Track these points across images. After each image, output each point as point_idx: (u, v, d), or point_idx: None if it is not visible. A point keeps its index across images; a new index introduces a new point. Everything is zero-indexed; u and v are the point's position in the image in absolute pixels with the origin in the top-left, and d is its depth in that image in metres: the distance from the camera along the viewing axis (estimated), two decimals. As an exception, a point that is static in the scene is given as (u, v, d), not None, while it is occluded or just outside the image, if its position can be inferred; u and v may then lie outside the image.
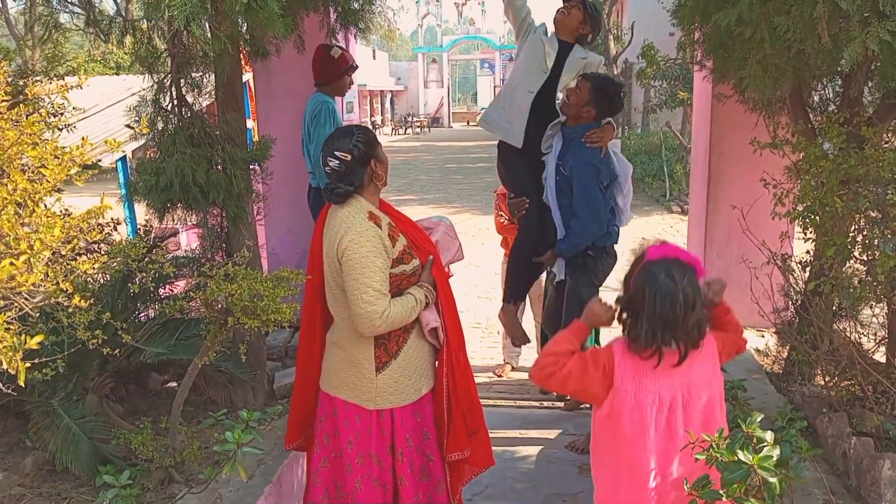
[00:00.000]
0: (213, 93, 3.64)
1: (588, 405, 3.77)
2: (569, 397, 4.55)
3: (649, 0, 14.24)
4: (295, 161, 4.52)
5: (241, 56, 3.79)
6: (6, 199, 1.86)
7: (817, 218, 3.20)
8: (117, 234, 4.07)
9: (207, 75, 3.62)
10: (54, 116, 3.35)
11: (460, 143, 29.52)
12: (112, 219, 3.98)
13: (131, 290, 3.32)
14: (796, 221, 3.33)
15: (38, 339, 1.66)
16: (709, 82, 4.44)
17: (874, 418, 3.03)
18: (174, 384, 4.04)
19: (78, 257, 2.04)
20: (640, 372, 2.13)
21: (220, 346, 2.93)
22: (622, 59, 18.24)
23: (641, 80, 14.09)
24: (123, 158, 7.22)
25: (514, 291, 4.09)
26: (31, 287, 1.77)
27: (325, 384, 2.73)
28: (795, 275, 3.67)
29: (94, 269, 1.98)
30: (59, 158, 2.16)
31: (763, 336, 4.69)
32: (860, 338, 3.42)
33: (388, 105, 39.45)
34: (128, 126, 3.51)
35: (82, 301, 1.91)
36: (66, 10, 4.21)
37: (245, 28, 3.45)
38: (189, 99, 3.58)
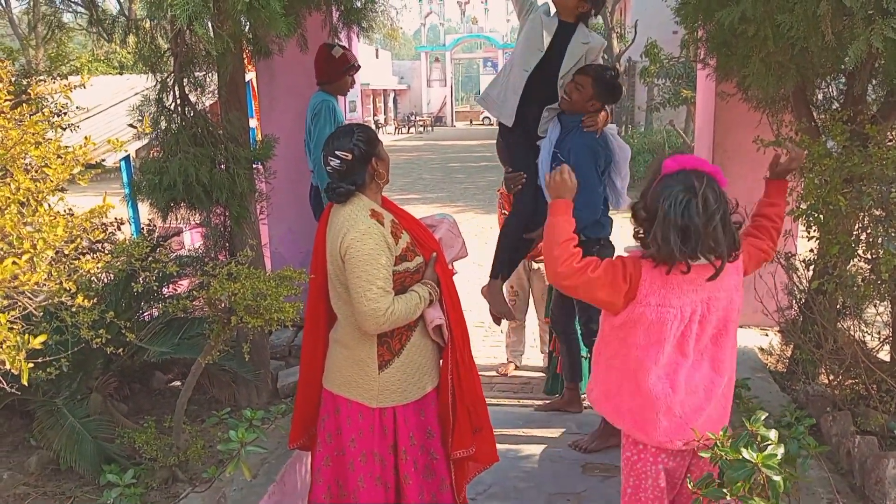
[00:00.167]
0: (216, 92, 3.65)
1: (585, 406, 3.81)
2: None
3: (652, -2, 14.21)
4: (298, 160, 4.52)
5: (244, 55, 3.80)
6: (9, 198, 1.86)
7: (821, 216, 3.19)
8: (121, 234, 4.08)
9: (210, 74, 3.63)
10: (57, 116, 3.35)
11: (463, 141, 29.52)
12: (116, 218, 3.99)
13: (135, 290, 3.33)
14: (800, 220, 3.33)
15: (42, 338, 1.66)
16: (712, 80, 4.43)
17: (878, 417, 3.02)
18: (178, 383, 4.04)
19: (81, 256, 2.04)
20: (668, 286, 2.06)
21: (223, 345, 2.93)
22: (625, 58, 18.20)
23: (645, 78, 14.07)
24: (127, 158, 7.23)
25: (502, 267, 4.05)
26: (35, 286, 1.77)
27: (327, 382, 2.73)
28: (799, 273, 3.66)
29: (97, 268, 1.98)
30: (62, 158, 2.16)
31: (767, 335, 4.68)
32: (864, 336, 3.42)
33: (391, 104, 39.49)
34: (130, 126, 3.51)
35: (86, 300, 1.91)
36: (70, 9, 4.22)
37: (248, 27, 3.45)
38: (192, 98, 3.58)
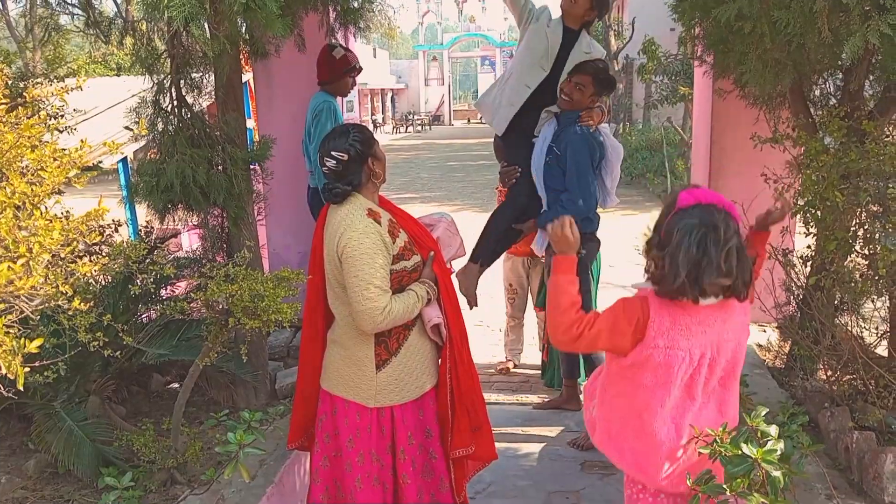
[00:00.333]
0: (213, 93, 3.64)
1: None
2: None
3: (650, -5, 14.22)
4: (296, 160, 4.52)
5: (241, 56, 3.79)
6: (5, 202, 1.86)
7: (818, 212, 3.20)
8: (119, 236, 4.07)
9: (207, 76, 3.62)
10: (54, 119, 3.35)
11: (461, 140, 29.51)
12: (113, 220, 3.98)
13: (132, 292, 3.32)
14: (797, 216, 3.33)
15: (38, 342, 1.66)
16: (709, 78, 4.43)
17: (876, 412, 3.03)
18: (176, 385, 4.04)
19: (78, 259, 2.04)
20: (676, 328, 2.00)
21: (221, 346, 2.93)
22: (623, 55, 18.20)
23: (642, 75, 14.05)
24: (124, 160, 7.22)
25: (484, 253, 4.00)
26: (31, 290, 1.77)
27: (325, 382, 2.73)
28: (797, 269, 3.66)
29: (93, 271, 1.98)
30: (58, 160, 2.16)
31: (765, 331, 4.68)
32: (862, 332, 3.42)
33: (388, 103, 39.45)
34: (127, 128, 3.50)
35: (82, 304, 1.91)
36: (66, 11, 4.21)
37: (244, 28, 3.45)
38: (189, 99, 3.57)
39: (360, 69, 4.34)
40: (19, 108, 2.54)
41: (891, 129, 3.40)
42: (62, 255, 1.93)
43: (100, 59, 19.11)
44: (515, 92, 3.81)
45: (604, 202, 3.94)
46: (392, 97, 40.32)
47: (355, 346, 2.62)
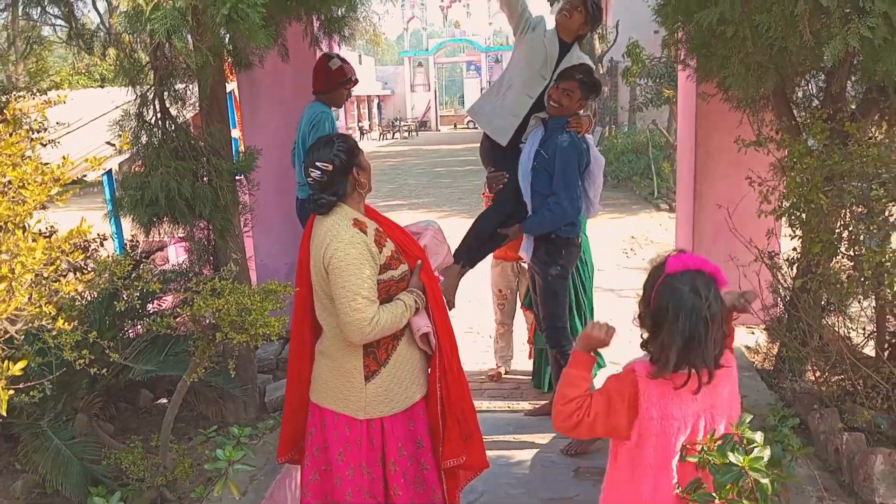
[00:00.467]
0: (197, 104, 3.62)
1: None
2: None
3: (633, -2, 14.27)
4: (282, 170, 4.50)
5: (225, 66, 3.77)
6: (-14, 222, 1.84)
7: (803, 215, 3.21)
8: (104, 250, 4.03)
9: (191, 87, 3.60)
10: (37, 133, 3.31)
11: (448, 146, 29.53)
12: (98, 234, 3.95)
13: (118, 308, 3.30)
14: (783, 218, 3.34)
15: (21, 364, 1.63)
16: (693, 81, 4.44)
17: (865, 413, 3.04)
18: (165, 401, 4.01)
19: (62, 278, 2.01)
20: (666, 398, 1.99)
21: (209, 361, 2.90)
22: (607, 58, 18.29)
23: (627, 78, 14.14)
24: (109, 172, 7.17)
25: (466, 255, 3.99)
26: (15, 312, 1.74)
27: (314, 395, 2.72)
28: (783, 272, 3.68)
29: (77, 290, 1.96)
30: (41, 177, 2.13)
31: (753, 333, 4.70)
32: (849, 333, 3.43)
33: (375, 110, 39.43)
34: (108, 143, 3.47)
35: (66, 323, 1.89)
36: (49, 23, 4.18)
37: (227, 39, 3.43)
38: (173, 111, 3.55)
39: (356, 81, 4.32)
40: (0, 124, 2.51)
41: (873, 130, 3.42)
42: (45, 275, 1.91)
43: (83, 71, 19.01)
44: (518, 103, 3.85)
45: (587, 211, 3.99)
46: (378, 104, 40.31)
47: (344, 357, 2.60)
